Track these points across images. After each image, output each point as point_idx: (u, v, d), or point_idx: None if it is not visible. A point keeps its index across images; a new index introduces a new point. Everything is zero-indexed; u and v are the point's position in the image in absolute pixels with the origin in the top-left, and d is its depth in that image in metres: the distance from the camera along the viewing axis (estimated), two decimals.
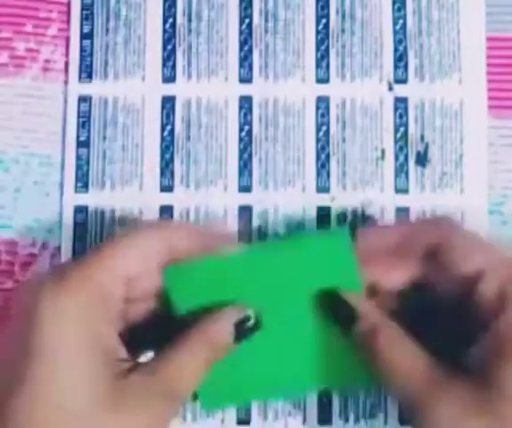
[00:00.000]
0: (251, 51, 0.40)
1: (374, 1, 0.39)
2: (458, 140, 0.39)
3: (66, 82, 0.39)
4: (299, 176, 0.39)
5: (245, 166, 0.39)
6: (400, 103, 0.39)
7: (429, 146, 0.39)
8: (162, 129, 0.39)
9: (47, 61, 0.40)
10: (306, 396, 0.38)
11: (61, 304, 0.28)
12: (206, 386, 0.32)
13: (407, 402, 0.30)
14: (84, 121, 0.39)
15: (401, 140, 0.39)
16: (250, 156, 0.39)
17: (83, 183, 0.39)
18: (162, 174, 0.39)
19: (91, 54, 0.39)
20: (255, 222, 0.39)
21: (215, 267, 0.32)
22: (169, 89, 0.39)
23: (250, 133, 0.39)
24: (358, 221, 0.38)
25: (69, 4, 0.40)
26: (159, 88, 0.39)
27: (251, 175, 0.39)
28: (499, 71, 0.39)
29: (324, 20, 0.40)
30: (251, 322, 0.32)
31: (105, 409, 0.28)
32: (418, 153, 0.39)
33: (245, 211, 0.39)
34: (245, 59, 0.40)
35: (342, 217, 0.38)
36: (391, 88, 0.39)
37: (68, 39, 0.40)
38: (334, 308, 0.33)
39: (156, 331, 0.33)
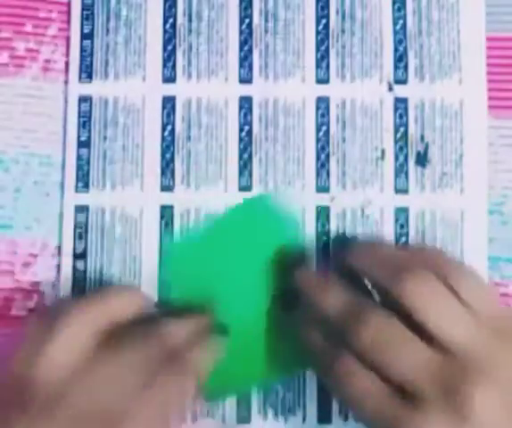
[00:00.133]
0: (251, 51, 0.40)
1: (374, 1, 0.40)
2: (458, 140, 0.39)
3: (66, 82, 0.39)
4: (299, 176, 0.39)
5: (245, 166, 0.39)
6: (400, 104, 0.39)
7: (429, 146, 0.39)
8: (163, 129, 0.39)
9: (47, 61, 0.40)
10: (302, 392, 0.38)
11: None
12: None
13: None
14: (84, 121, 0.39)
15: (401, 140, 0.39)
16: (250, 156, 0.39)
17: (83, 183, 0.39)
18: (163, 174, 0.39)
19: (91, 54, 0.39)
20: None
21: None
22: (170, 89, 0.39)
23: (250, 133, 0.39)
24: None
25: (69, 4, 0.40)
26: (159, 88, 0.39)
27: (251, 175, 0.39)
28: (499, 71, 0.39)
29: (324, 21, 0.40)
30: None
31: None
32: (418, 153, 0.39)
33: None
34: (245, 59, 0.40)
35: (341, 216, 0.39)
36: (391, 88, 0.39)
37: (68, 39, 0.40)
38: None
39: None
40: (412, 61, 0.39)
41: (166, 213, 0.39)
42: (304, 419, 0.38)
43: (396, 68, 0.39)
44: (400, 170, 0.39)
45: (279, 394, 0.38)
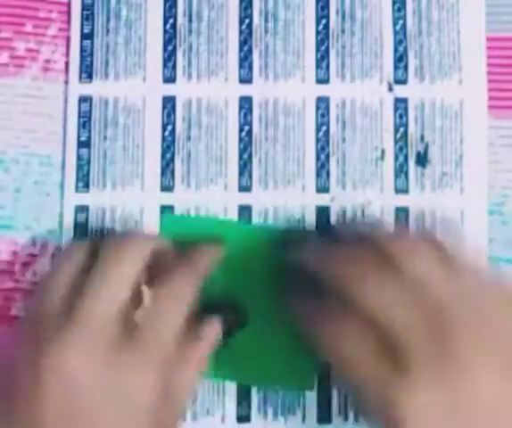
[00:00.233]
0: (251, 51, 0.40)
1: (374, 1, 0.40)
2: (458, 140, 0.39)
3: (66, 82, 0.39)
4: (299, 176, 0.39)
5: (245, 166, 0.39)
6: (400, 104, 0.39)
7: (429, 146, 0.39)
8: (163, 129, 0.39)
9: (47, 61, 0.40)
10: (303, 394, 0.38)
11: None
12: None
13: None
14: (85, 121, 0.39)
15: (401, 140, 0.39)
16: (250, 156, 0.39)
17: (84, 183, 0.39)
18: (163, 174, 0.39)
19: (91, 54, 0.39)
20: (255, 222, 0.39)
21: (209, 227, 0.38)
22: (170, 89, 0.39)
23: (250, 133, 0.39)
24: None
25: (69, 4, 0.40)
26: (159, 88, 0.39)
27: (251, 175, 0.39)
28: (499, 71, 0.39)
29: (324, 21, 0.40)
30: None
31: None
32: (418, 154, 0.39)
33: (245, 211, 0.39)
34: (245, 59, 0.40)
35: (341, 217, 0.39)
36: (391, 89, 0.39)
37: (68, 39, 0.40)
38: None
39: None
40: (412, 62, 0.39)
41: (166, 213, 0.39)
42: (304, 419, 0.38)
43: (396, 68, 0.39)
44: (400, 170, 0.39)
45: (279, 394, 0.38)
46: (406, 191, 0.39)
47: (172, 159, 0.39)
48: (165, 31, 0.40)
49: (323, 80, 0.39)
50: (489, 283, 0.32)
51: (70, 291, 0.32)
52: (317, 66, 0.39)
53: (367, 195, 0.39)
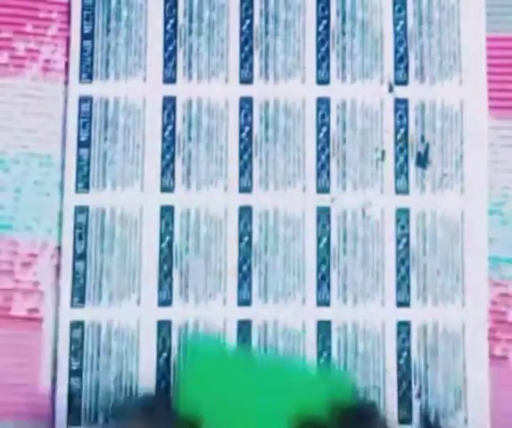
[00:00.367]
0: (251, 52, 0.40)
1: (374, 2, 0.40)
2: (459, 141, 0.39)
3: (66, 82, 0.39)
4: (299, 177, 0.39)
5: (246, 166, 0.39)
6: (401, 105, 0.39)
7: (429, 147, 0.39)
8: (163, 130, 0.39)
9: (47, 61, 0.40)
10: None
11: None
12: None
13: None
14: (85, 122, 0.39)
15: (402, 141, 0.39)
16: (250, 157, 0.39)
17: (84, 183, 0.39)
18: (163, 174, 0.39)
19: (92, 55, 0.39)
20: (255, 222, 0.39)
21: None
22: (170, 90, 0.39)
23: (250, 134, 0.39)
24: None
25: (69, 5, 0.40)
26: (160, 89, 0.39)
27: (251, 175, 0.39)
28: (499, 71, 0.39)
29: (324, 22, 0.40)
30: None
31: None
32: (419, 154, 0.39)
33: (245, 212, 0.39)
34: (246, 60, 0.40)
35: (342, 217, 0.39)
36: (391, 90, 0.39)
37: (68, 39, 0.40)
38: None
39: None
40: (413, 63, 0.39)
41: (166, 214, 0.39)
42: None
43: (396, 69, 0.39)
44: (401, 171, 0.39)
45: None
46: (406, 192, 0.39)
47: (172, 159, 0.39)
48: (165, 32, 0.40)
49: (323, 81, 0.39)
50: None
51: None
52: (318, 67, 0.40)
53: (367, 196, 0.39)
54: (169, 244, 0.38)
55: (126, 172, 0.39)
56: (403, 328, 0.38)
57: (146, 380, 0.37)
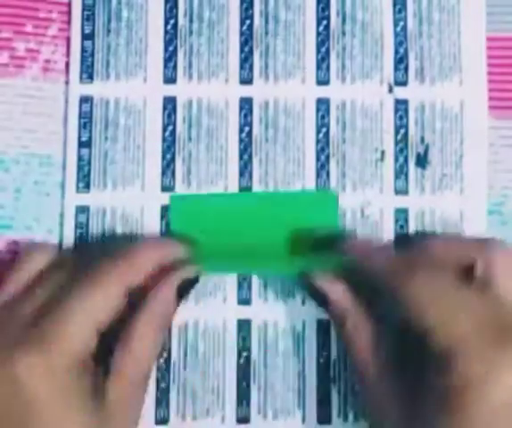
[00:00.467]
0: (251, 52, 0.40)
1: (374, 3, 0.40)
2: (459, 142, 0.39)
3: (67, 82, 0.39)
4: (299, 177, 0.39)
5: (246, 167, 0.39)
6: (401, 105, 0.39)
7: (429, 148, 0.39)
8: (163, 130, 0.39)
9: (47, 61, 0.40)
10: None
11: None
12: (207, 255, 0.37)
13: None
14: (85, 122, 0.39)
15: (401, 142, 0.39)
16: (250, 157, 0.39)
17: (84, 183, 0.39)
18: (163, 174, 0.39)
19: (92, 55, 0.39)
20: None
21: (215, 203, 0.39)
22: (171, 90, 0.39)
23: (250, 134, 0.39)
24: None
25: (69, 5, 0.40)
26: (160, 89, 0.39)
27: (251, 175, 0.39)
28: (499, 72, 0.39)
29: (324, 22, 0.40)
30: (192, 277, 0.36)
31: None
32: (418, 155, 0.39)
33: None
34: (246, 60, 0.40)
35: (341, 217, 0.39)
36: (391, 90, 0.39)
37: (68, 39, 0.40)
38: (310, 290, 0.37)
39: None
40: (412, 63, 0.39)
41: (167, 214, 0.39)
42: (304, 419, 0.38)
43: (396, 69, 0.39)
44: (400, 172, 0.39)
45: (279, 394, 0.38)
46: (406, 192, 0.39)
47: (173, 159, 0.39)
48: (166, 32, 0.40)
49: (323, 81, 0.40)
50: None
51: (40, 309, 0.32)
52: (318, 67, 0.40)
53: (366, 196, 0.39)
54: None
55: (126, 172, 0.39)
56: None
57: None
